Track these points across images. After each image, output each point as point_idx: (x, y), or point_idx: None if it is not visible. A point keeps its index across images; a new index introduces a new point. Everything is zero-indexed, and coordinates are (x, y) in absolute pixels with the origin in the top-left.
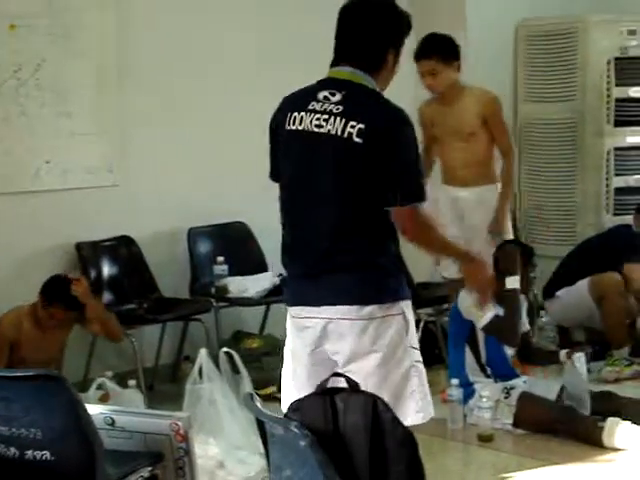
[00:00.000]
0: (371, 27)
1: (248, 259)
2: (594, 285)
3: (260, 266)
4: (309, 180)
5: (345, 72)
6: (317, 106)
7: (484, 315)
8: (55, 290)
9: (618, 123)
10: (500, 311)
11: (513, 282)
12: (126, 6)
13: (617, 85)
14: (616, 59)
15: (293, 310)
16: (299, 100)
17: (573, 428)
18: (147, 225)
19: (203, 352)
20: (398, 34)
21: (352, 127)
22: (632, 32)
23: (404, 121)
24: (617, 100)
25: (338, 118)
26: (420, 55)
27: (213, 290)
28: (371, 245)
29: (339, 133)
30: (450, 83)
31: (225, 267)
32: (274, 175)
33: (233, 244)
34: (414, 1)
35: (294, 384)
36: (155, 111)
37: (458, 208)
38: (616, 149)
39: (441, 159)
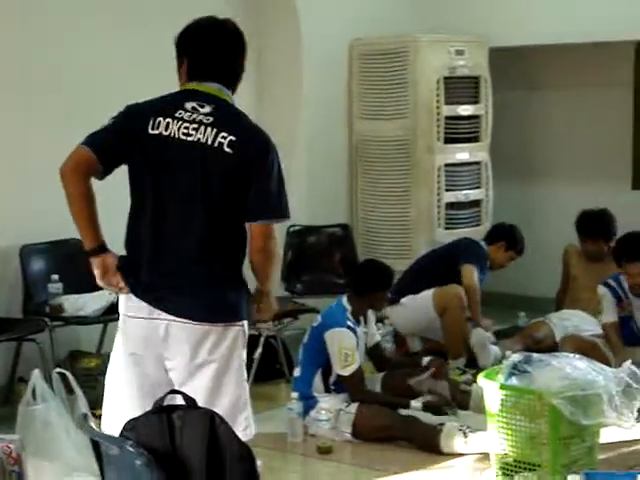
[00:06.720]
0: (230, 47)
1: (84, 277)
2: (437, 297)
3: (96, 284)
4: (174, 185)
5: (213, 88)
6: (185, 115)
7: (349, 366)
8: None
9: (448, 140)
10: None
11: None
12: None
13: (446, 103)
14: (445, 78)
15: (136, 308)
16: (164, 106)
17: (412, 433)
18: None
19: (36, 373)
20: (245, 54)
21: (223, 138)
22: (460, 52)
23: (269, 141)
24: (447, 118)
25: (209, 128)
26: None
27: (47, 309)
28: (226, 259)
29: (209, 142)
30: None
31: (59, 285)
32: (106, 170)
33: (68, 261)
34: (248, 17)
35: (128, 397)
36: None
37: None
38: (446, 165)
39: None
